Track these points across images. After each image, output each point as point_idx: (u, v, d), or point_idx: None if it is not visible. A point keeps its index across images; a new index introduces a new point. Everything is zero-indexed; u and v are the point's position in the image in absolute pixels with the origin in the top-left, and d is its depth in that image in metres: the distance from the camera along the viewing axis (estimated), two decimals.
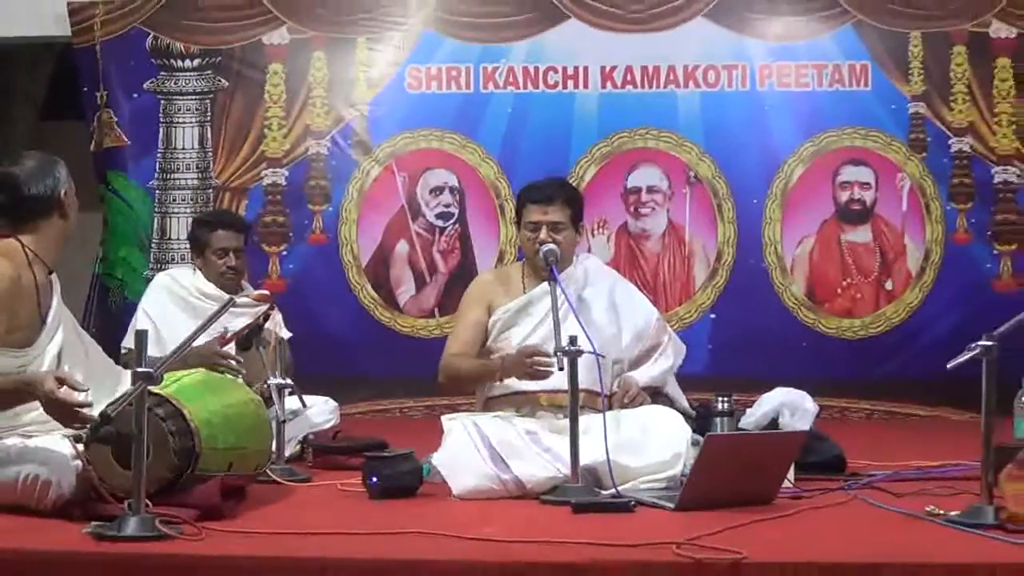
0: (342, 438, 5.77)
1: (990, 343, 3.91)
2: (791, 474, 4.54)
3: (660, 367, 5.24)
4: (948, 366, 3.98)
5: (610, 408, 4.79)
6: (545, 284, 4.89)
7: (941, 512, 4.02)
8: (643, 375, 5.15)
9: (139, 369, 3.73)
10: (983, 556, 3.46)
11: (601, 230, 8.02)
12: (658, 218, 8.07)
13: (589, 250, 7.65)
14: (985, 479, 3.93)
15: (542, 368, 4.62)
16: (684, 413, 4.99)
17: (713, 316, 8.01)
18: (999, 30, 7.96)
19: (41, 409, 4.06)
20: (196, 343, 4.10)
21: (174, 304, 5.94)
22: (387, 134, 8.09)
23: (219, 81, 8.10)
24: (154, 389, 3.89)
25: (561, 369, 4.47)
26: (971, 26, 7.97)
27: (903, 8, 8.00)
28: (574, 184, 7.09)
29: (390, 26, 8.10)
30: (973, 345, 3.93)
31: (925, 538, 3.76)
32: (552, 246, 4.97)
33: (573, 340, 4.43)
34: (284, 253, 8.04)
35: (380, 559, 3.46)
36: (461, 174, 8.05)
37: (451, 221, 8.05)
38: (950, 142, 7.98)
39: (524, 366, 4.73)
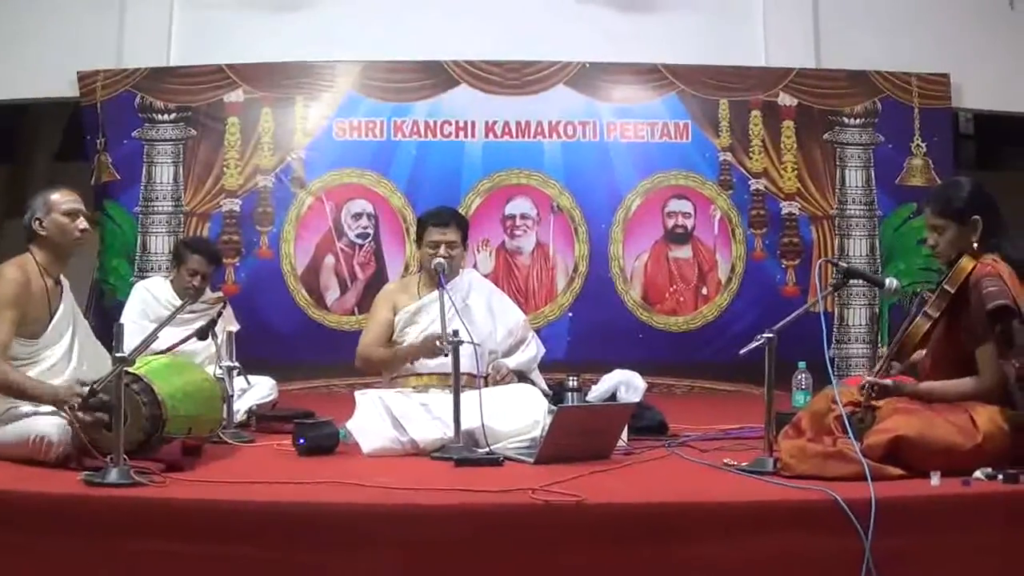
0: (279, 409, 5.73)
1: (771, 335, 3.98)
2: (625, 435, 4.58)
3: (526, 356, 5.28)
4: (740, 352, 4.05)
5: (485, 386, 4.81)
6: (436, 291, 4.91)
7: (735, 463, 4.09)
8: (512, 361, 5.17)
9: (118, 354, 3.72)
10: (764, 495, 3.55)
11: (484, 248, 8.02)
12: (529, 238, 8.08)
13: (475, 264, 7.71)
14: (767, 438, 4.01)
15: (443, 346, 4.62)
16: (543, 392, 5.02)
17: (571, 315, 8.03)
18: (784, 100, 8.09)
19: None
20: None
21: (146, 309, 5.88)
22: (318, 172, 8.02)
23: (189, 130, 7.99)
24: (130, 369, 3.88)
25: (446, 355, 4.50)
26: (764, 96, 8.09)
27: (714, 81, 8.10)
28: (463, 212, 7.14)
29: (321, 89, 8.05)
30: (759, 336, 3.99)
31: (722, 483, 3.82)
32: (441, 260, 4.99)
33: (455, 333, 4.46)
34: (237, 264, 7.93)
35: (306, 502, 3.48)
36: (376, 204, 8.01)
37: (367, 240, 8.00)
38: (749, 183, 8.08)
39: (431, 346, 4.76)
